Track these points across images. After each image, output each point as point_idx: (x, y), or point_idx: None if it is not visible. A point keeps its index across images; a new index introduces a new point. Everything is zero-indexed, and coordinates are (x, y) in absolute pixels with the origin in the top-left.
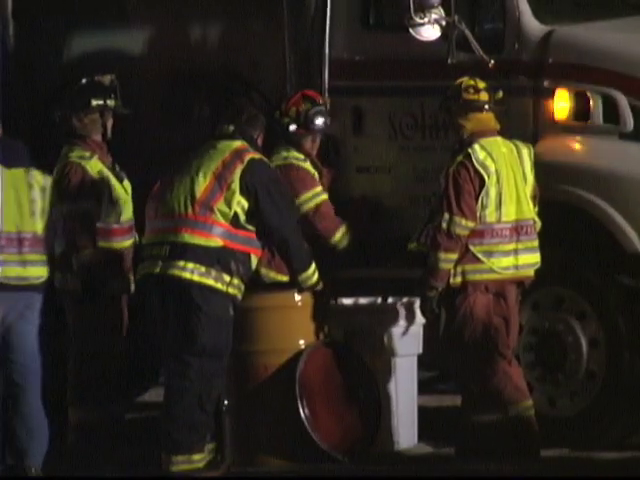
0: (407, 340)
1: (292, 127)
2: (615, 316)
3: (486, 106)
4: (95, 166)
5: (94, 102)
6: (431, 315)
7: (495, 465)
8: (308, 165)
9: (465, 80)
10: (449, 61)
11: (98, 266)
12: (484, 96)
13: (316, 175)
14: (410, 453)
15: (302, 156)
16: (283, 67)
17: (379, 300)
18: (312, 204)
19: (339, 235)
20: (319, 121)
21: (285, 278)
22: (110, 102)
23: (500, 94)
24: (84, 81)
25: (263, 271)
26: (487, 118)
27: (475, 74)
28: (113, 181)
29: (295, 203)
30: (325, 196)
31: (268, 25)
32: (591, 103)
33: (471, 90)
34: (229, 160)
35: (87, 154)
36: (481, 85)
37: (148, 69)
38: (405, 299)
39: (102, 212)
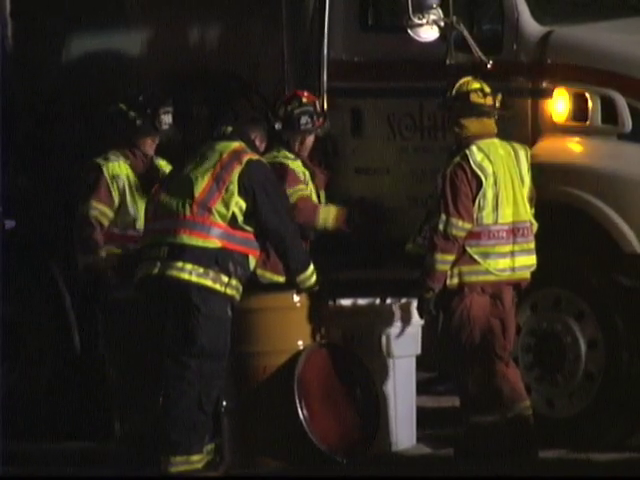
0: (405, 341)
1: (277, 126)
2: (613, 316)
3: (494, 112)
4: (113, 169)
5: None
6: (428, 316)
7: (493, 466)
8: (297, 164)
9: (470, 81)
10: (448, 62)
11: (105, 271)
12: (490, 100)
13: (307, 174)
14: (408, 454)
15: (291, 155)
16: (282, 68)
17: (377, 301)
18: (292, 200)
19: (321, 218)
20: (304, 121)
21: (281, 279)
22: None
23: (499, 97)
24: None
25: (259, 272)
26: (489, 123)
27: (474, 75)
28: (134, 189)
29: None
30: (305, 192)
31: (267, 26)
32: (589, 104)
33: (479, 93)
34: (227, 161)
35: (112, 157)
36: (487, 89)
37: (147, 70)
38: (403, 300)
39: (118, 218)
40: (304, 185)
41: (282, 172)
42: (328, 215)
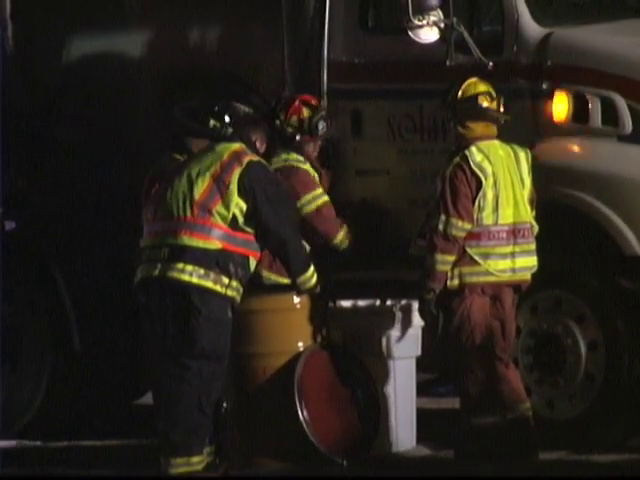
0: (406, 342)
1: (298, 137)
2: (614, 319)
3: (500, 117)
4: None
5: (212, 122)
6: (429, 317)
7: (494, 467)
8: (308, 167)
9: (477, 82)
10: (448, 63)
11: None
12: (495, 105)
13: (316, 177)
14: (409, 455)
15: (302, 158)
16: (282, 70)
17: (378, 302)
18: (313, 206)
19: (341, 236)
20: (321, 126)
21: (286, 281)
22: (228, 131)
23: (501, 100)
24: (216, 102)
25: (264, 274)
26: (492, 126)
27: (474, 76)
28: None
29: (293, 205)
30: (326, 198)
31: (267, 28)
32: (590, 105)
33: (487, 97)
34: (227, 162)
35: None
36: (493, 92)
37: (147, 72)
38: (404, 301)
39: None
40: (321, 190)
41: (297, 176)
42: (346, 238)
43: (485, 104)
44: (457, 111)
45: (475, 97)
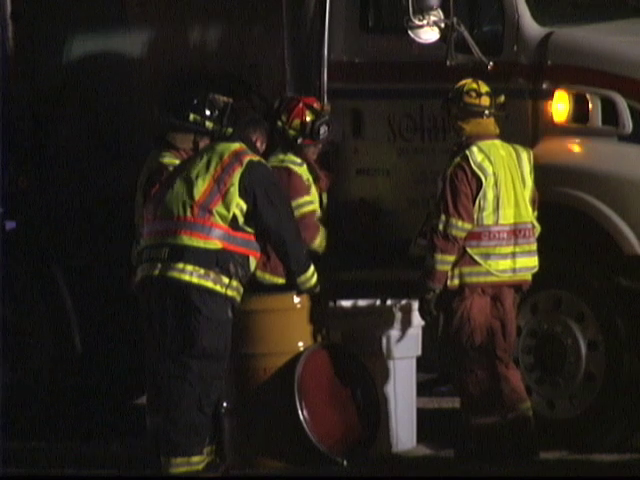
0: (406, 342)
1: (299, 140)
2: (614, 318)
3: (486, 112)
4: None
5: (192, 116)
6: (429, 317)
7: (494, 467)
8: (303, 169)
9: (468, 82)
10: (448, 63)
11: None
12: (485, 101)
13: (310, 180)
14: (409, 455)
15: (299, 160)
16: (282, 70)
17: (378, 302)
18: (297, 213)
19: (318, 242)
20: (323, 130)
21: (280, 280)
22: (209, 124)
23: (502, 98)
24: (195, 95)
25: (258, 274)
26: (487, 123)
27: (474, 76)
28: None
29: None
30: (311, 207)
31: (267, 28)
32: (590, 105)
33: (473, 94)
34: (228, 162)
35: (177, 161)
36: (483, 89)
37: (147, 72)
38: (404, 301)
39: None
40: (309, 196)
41: (289, 178)
42: (323, 241)
43: (469, 101)
44: (449, 112)
45: (460, 95)
